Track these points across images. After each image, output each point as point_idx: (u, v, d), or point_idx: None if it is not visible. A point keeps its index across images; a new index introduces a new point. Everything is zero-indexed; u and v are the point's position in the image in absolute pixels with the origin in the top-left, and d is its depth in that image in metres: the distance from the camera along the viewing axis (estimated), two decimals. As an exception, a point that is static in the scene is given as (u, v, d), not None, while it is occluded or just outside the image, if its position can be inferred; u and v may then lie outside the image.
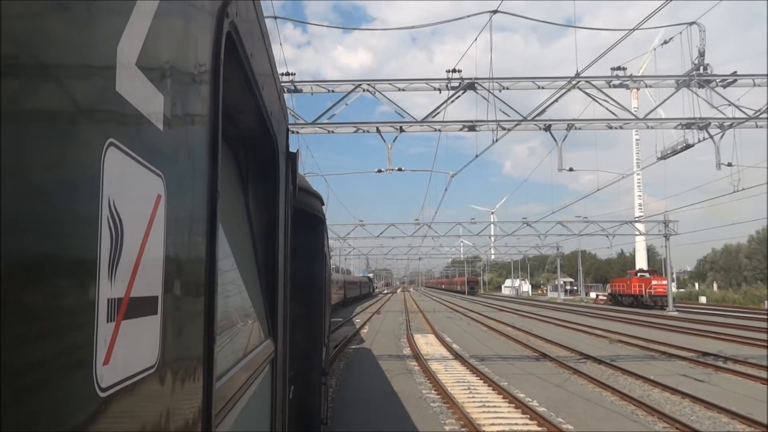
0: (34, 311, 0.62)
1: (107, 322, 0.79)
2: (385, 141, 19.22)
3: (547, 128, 19.05)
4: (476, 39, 18.23)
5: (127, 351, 0.86)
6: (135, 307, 0.89)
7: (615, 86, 18.79)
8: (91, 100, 0.75)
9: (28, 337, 0.61)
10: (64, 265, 0.69)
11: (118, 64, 0.82)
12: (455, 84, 18.37)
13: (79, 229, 0.72)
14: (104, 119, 0.79)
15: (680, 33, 18.61)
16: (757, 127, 18.54)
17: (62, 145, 0.68)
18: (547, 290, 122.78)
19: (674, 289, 65.86)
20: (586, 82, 18.40)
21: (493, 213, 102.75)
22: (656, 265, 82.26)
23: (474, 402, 14.57)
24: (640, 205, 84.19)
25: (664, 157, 22.15)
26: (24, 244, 0.61)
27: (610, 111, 19.10)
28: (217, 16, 1.48)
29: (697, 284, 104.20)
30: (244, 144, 2.71)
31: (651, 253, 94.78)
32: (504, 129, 18.74)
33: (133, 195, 0.89)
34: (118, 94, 0.82)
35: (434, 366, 20.02)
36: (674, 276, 79.27)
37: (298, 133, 18.60)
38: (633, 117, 19.88)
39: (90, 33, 0.74)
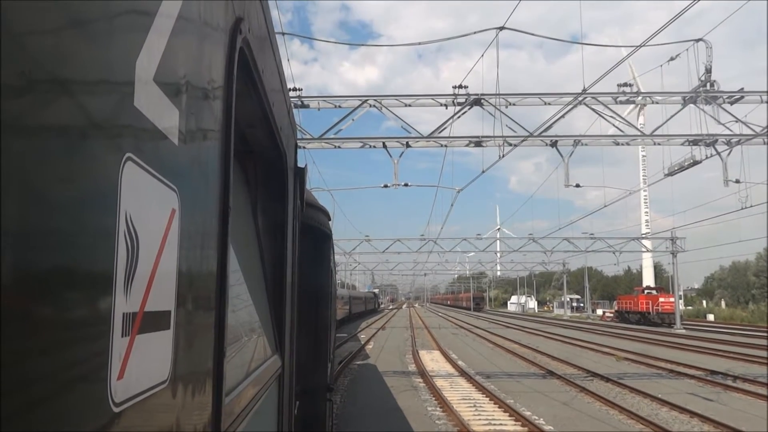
0: (52, 325, 0.62)
1: (122, 336, 0.78)
2: (391, 156, 19.26)
3: (554, 144, 19.04)
4: (483, 55, 18.34)
5: (140, 366, 0.85)
6: (149, 322, 0.89)
7: (621, 102, 18.80)
8: (110, 115, 0.75)
9: (45, 350, 0.61)
10: (81, 279, 0.69)
11: (136, 80, 0.83)
12: (461, 100, 18.42)
13: (97, 243, 0.72)
14: (123, 134, 0.79)
15: (687, 50, 18.65)
16: (764, 143, 18.47)
17: (83, 159, 0.69)
18: (553, 307, 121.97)
19: (682, 307, 65.34)
20: (593, 98, 18.43)
21: (499, 229, 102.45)
22: (663, 282, 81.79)
23: (480, 419, 14.42)
24: (647, 221, 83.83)
25: (671, 174, 22.09)
26: (43, 257, 0.61)
27: (616, 127, 19.11)
28: (231, 33, 1.49)
29: (705, 302, 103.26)
30: (254, 159, 2.72)
31: (658, 270, 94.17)
32: (510, 145, 18.75)
33: (148, 209, 0.89)
34: (136, 108, 0.83)
35: (439, 383, 19.85)
36: (681, 293, 78.65)
37: (304, 148, 18.68)
38: (640, 133, 19.87)
39: (110, 49, 0.75)
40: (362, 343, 35.76)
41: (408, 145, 19.10)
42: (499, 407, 15.95)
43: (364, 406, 16.10)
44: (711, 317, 79.27)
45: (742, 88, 18.50)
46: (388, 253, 57.68)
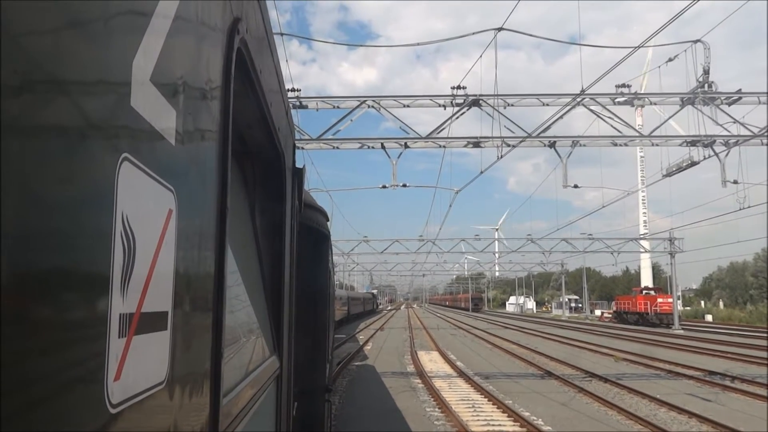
0: (48, 326, 0.62)
1: (119, 337, 0.78)
2: (389, 157, 19.25)
3: (552, 145, 19.05)
4: (481, 56, 18.33)
5: (137, 367, 0.85)
6: (146, 323, 0.89)
7: (620, 103, 18.81)
8: (107, 115, 0.75)
9: (42, 352, 0.61)
10: (78, 280, 0.69)
11: (133, 80, 0.82)
12: (460, 100, 18.42)
13: (93, 244, 0.72)
14: (119, 134, 0.79)
15: (685, 51, 18.67)
16: (762, 144, 18.50)
17: (79, 159, 0.68)
18: (551, 307, 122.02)
19: (680, 307, 65.41)
20: (591, 99, 18.44)
21: (497, 230, 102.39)
22: (661, 283, 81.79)
23: (478, 420, 14.42)
24: (645, 222, 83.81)
25: (669, 174, 22.13)
26: (39, 258, 0.61)
27: (614, 128, 19.12)
28: (228, 33, 1.49)
29: (703, 302, 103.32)
30: (252, 159, 2.72)
31: (656, 270, 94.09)
32: (509, 145, 18.76)
33: (145, 210, 0.89)
34: (132, 109, 0.82)
35: (438, 383, 19.85)
36: (680, 294, 78.71)
37: (303, 149, 18.66)
38: (638, 134, 19.88)
39: (107, 49, 0.75)
40: (361, 344, 35.75)
41: (406, 146, 19.10)
42: (497, 408, 15.96)
43: (363, 406, 16.09)
44: (709, 318, 79.34)
45: (740, 89, 18.53)
46: (387, 254, 57.66)
